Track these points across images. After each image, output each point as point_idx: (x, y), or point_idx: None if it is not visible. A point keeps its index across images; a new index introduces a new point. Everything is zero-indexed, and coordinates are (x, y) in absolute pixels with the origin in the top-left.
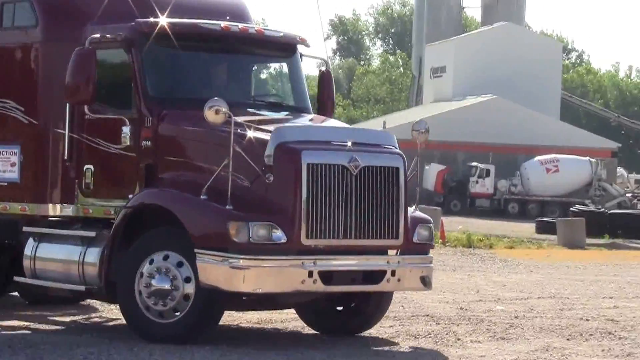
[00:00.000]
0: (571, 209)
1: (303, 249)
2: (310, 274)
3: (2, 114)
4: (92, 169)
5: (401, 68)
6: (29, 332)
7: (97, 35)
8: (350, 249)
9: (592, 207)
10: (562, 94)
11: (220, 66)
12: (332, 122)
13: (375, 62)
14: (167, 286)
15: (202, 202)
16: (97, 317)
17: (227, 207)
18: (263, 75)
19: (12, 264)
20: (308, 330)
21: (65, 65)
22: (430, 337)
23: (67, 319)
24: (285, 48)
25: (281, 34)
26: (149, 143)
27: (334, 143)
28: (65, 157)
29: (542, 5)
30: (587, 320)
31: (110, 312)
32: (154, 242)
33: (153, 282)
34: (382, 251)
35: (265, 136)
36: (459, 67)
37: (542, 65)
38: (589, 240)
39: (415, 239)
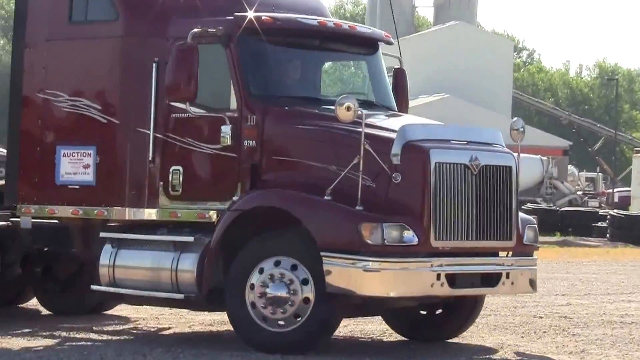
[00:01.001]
0: (523, 207)
1: (432, 251)
2: (439, 277)
3: (74, 113)
4: (181, 170)
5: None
6: (96, 343)
7: (199, 30)
8: (470, 251)
9: (543, 205)
10: (514, 93)
11: (314, 63)
12: (428, 120)
13: None
14: (284, 293)
15: (330, 204)
16: (144, 325)
17: (357, 208)
18: (349, 73)
19: (45, 272)
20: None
21: (147, 61)
22: None
23: (116, 328)
24: (371, 45)
25: (370, 31)
26: (252, 142)
27: (454, 142)
28: (150, 158)
29: (493, 5)
30: (541, 317)
31: (150, 321)
32: (264, 247)
33: (268, 290)
34: (494, 253)
35: (391, 135)
36: (411, 67)
37: (493, 64)
38: (540, 238)
39: (524, 241)
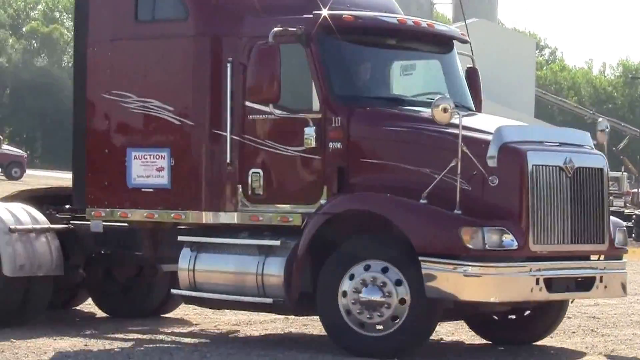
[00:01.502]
0: None
1: (530, 256)
2: (537, 281)
3: (144, 115)
4: (261, 172)
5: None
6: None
7: (279, 29)
8: (565, 255)
9: None
10: (536, 91)
11: (392, 62)
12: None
13: None
14: (378, 298)
15: (428, 208)
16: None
17: (456, 211)
18: (426, 72)
19: (105, 275)
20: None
21: (221, 61)
22: None
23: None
24: (447, 43)
25: (448, 28)
26: (337, 144)
27: (547, 143)
28: (228, 161)
29: (514, 2)
30: (569, 318)
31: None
32: (354, 252)
33: (362, 295)
34: (586, 257)
35: (486, 136)
36: None
37: (515, 62)
38: None
39: (616, 244)
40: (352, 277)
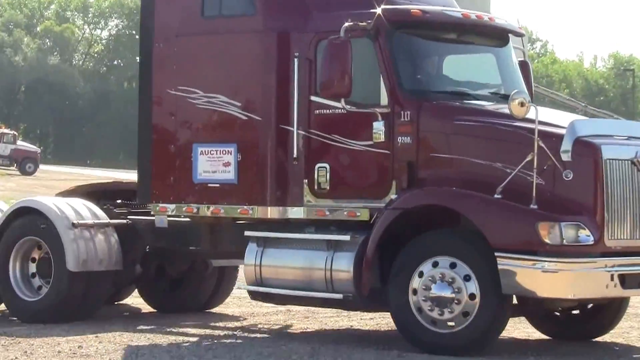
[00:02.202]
0: None
1: (605, 251)
2: (612, 277)
3: (211, 110)
4: (328, 167)
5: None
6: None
7: (350, 24)
8: (636, 250)
9: None
10: None
11: (455, 55)
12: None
13: None
14: (447, 294)
15: (504, 203)
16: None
17: (532, 206)
18: (484, 65)
19: (158, 272)
20: None
21: (288, 57)
22: None
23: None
24: (504, 36)
25: (506, 22)
26: (407, 139)
27: (617, 137)
28: (295, 156)
29: None
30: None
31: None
32: (439, 244)
33: (433, 287)
34: None
35: (560, 130)
36: None
37: None
38: None
39: None
40: (421, 275)
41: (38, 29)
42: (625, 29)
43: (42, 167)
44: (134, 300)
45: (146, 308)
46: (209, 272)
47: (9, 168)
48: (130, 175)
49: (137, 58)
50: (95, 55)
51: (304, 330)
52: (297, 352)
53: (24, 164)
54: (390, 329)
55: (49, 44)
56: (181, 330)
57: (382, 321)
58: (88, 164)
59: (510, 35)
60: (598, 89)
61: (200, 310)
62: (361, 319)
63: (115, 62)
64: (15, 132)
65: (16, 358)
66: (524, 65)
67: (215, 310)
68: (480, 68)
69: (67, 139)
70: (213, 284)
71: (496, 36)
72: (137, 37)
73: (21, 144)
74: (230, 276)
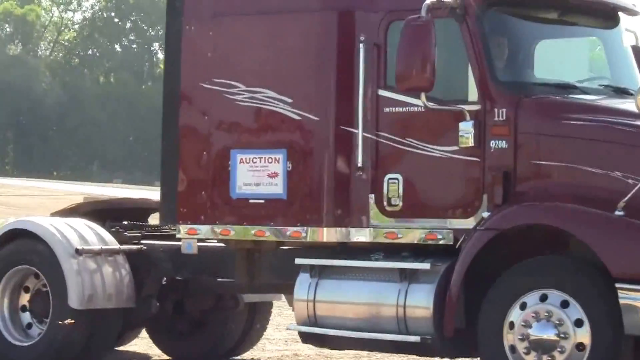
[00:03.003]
0: None
1: None
2: None
3: (254, 108)
4: (400, 179)
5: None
6: None
7: (433, 1)
8: None
9: None
10: None
11: (557, 40)
12: None
13: None
14: (552, 335)
15: (627, 222)
16: None
17: None
18: (591, 51)
19: (176, 310)
20: None
21: (352, 41)
22: None
23: None
24: (614, 16)
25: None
26: (502, 143)
27: None
28: (360, 164)
29: None
30: None
31: None
32: (538, 274)
33: (534, 327)
34: None
35: None
36: None
37: None
38: None
39: None
40: (523, 307)
41: None
42: None
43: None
44: (138, 343)
45: (156, 354)
46: (239, 309)
47: None
48: (105, 190)
49: (118, 46)
50: (65, 43)
51: None
52: None
53: None
54: None
55: (8, 30)
56: None
57: None
58: (55, 176)
59: (621, 14)
60: None
61: (226, 357)
62: None
63: (90, 52)
64: None
65: None
66: (637, 51)
67: (245, 355)
68: (586, 54)
69: (30, 147)
70: (243, 324)
71: (606, 15)
72: (116, 20)
73: None
74: (264, 315)
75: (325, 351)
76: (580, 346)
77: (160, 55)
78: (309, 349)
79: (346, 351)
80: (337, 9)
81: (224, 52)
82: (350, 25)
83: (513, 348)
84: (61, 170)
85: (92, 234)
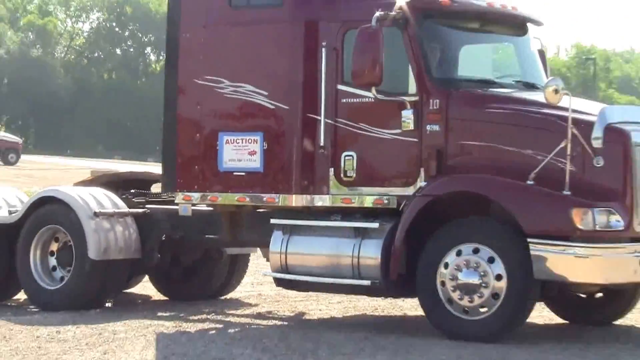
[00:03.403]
0: None
1: (635, 237)
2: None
3: (237, 99)
4: (355, 155)
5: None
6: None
7: (381, 13)
8: None
9: None
10: None
11: (480, 44)
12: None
13: None
14: (476, 281)
15: (536, 189)
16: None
17: (565, 192)
18: (507, 53)
19: (172, 261)
20: None
21: (315, 46)
22: None
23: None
24: (523, 25)
25: (527, 11)
26: (435, 127)
27: None
28: (322, 144)
29: None
30: None
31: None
32: (460, 232)
33: (460, 275)
34: None
35: (591, 118)
36: None
37: None
38: None
39: None
40: (459, 253)
41: (21, 22)
42: (586, 20)
43: (23, 157)
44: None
45: (156, 295)
46: (222, 260)
47: None
48: (107, 165)
49: (119, 50)
50: (77, 47)
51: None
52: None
53: (6, 154)
54: (360, 313)
55: (31, 37)
56: (195, 317)
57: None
58: (68, 154)
59: (529, 25)
60: (561, 76)
61: (213, 298)
62: (370, 305)
63: (96, 54)
64: None
65: None
66: (542, 54)
67: (227, 297)
68: (502, 56)
69: (48, 130)
70: (225, 272)
71: (517, 25)
72: (116, 29)
73: (3, 134)
74: (243, 264)
75: (282, 292)
76: (495, 295)
77: (152, 57)
78: (270, 290)
79: (298, 293)
80: (304, 20)
81: (212, 55)
82: (314, 33)
83: (443, 283)
84: (72, 148)
85: (107, 200)
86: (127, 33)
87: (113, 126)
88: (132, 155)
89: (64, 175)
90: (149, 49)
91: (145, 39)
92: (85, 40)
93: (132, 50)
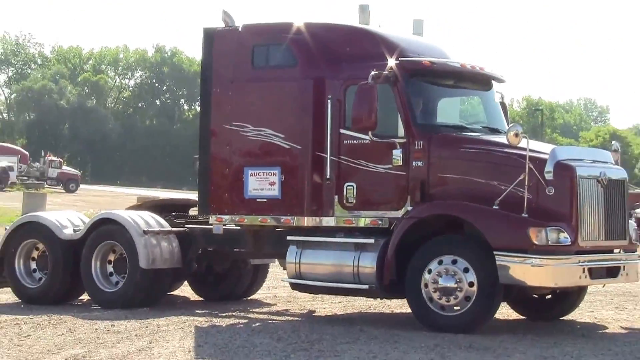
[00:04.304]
0: None
1: (579, 250)
2: (584, 270)
3: (259, 141)
4: (355, 185)
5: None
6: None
7: (376, 72)
8: (600, 249)
9: None
10: None
11: (453, 97)
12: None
13: None
14: (452, 284)
15: (501, 212)
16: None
17: (524, 215)
18: (475, 104)
19: (206, 269)
20: None
21: (323, 99)
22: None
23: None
24: (489, 82)
25: (492, 71)
26: (420, 163)
27: (586, 160)
28: (328, 177)
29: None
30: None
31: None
32: (442, 246)
33: (440, 280)
34: (609, 251)
35: (543, 156)
36: None
37: None
38: None
39: (633, 240)
40: (440, 262)
41: (79, 79)
42: (535, 76)
43: (82, 186)
44: (183, 290)
45: (194, 297)
46: (247, 269)
47: (56, 187)
48: (150, 193)
49: (158, 101)
50: (124, 99)
51: (327, 314)
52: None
53: (67, 184)
54: (357, 311)
55: (87, 90)
56: (224, 314)
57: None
58: (117, 184)
59: (493, 82)
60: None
61: (239, 299)
62: (366, 306)
63: (140, 105)
64: (61, 159)
65: (62, 334)
66: (503, 105)
67: (249, 298)
68: (472, 107)
69: (101, 165)
70: (249, 278)
71: (484, 82)
72: (156, 84)
73: (65, 168)
74: (263, 272)
75: (294, 294)
76: (467, 298)
77: (185, 107)
78: (284, 293)
79: (307, 294)
80: (313, 78)
81: (239, 105)
82: (321, 88)
83: (426, 285)
84: (121, 179)
85: (153, 221)
86: (164, 87)
87: (154, 161)
88: (170, 185)
89: (114, 201)
90: (182, 100)
91: (180, 92)
92: (130, 93)
93: (169, 101)
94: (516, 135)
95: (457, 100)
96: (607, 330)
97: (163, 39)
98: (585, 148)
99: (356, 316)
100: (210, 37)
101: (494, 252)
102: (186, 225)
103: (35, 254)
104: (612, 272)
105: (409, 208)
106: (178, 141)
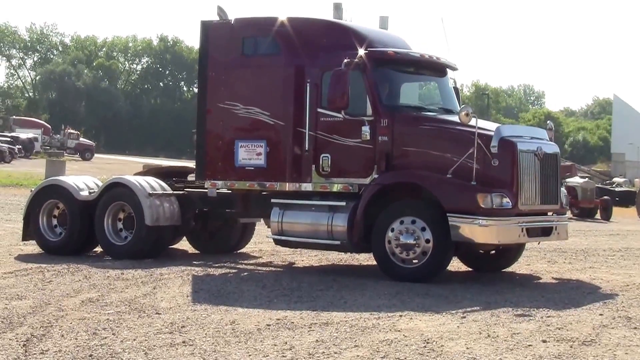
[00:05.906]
0: None
1: (519, 212)
2: (522, 230)
3: (248, 118)
4: (329, 156)
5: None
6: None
7: (348, 60)
8: (536, 212)
9: None
10: None
11: (413, 82)
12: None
13: None
14: (411, 241)
15: (453, 180)
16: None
17: (472, 183)
18: (432, 88)
19: (202, 226)
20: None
21: (302, 83)
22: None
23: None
24: (444, 70)
25: (447, 60)
26: (385, 138)
27: (525, 137)
28: (306, 149)
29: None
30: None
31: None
32: (403, 209)
33: (401, 237)
34: (544, 213)
35: (489, 132)
36: None
37: None
38: None
39: (563, 205)
40: (402, 222)
41: (94, 63)
42: (482, 64)
43: (96, 155)
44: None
45: (192, 250)
46: (237, 226)
47: (74, 156)
48: (155, 161)
49: (162, 83)
50: (132, 81)
51: (306, 265)
52: (297, 280)
53: (84, 153)
54: (330, 263)
55: (101, 73)
56: (217, 265)
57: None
58: (126, 153)
59: (448, 69)
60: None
61: (229, 252)
62: (339, 259)
63: (146, 86)
64: (78, 132)
65: (79, 280)
66: (455, 89)
67: (238, 252)
68: (429, 90)
69: (113, 137)
70: (239, 234)
71: (440, 70)
72: (160, 69)
73: (82, 140)
74: (250, 230)
75: (277, 248)
76: (424, 253)
77: (184, 88)
78: (268, 247)
79: (288, 249)
80: (294, 65)
81: (231, 87)
82: (301, 73)
83: (389, 242)
84: (129, 150)
85: (157, 185)
86: (167, 72)
87: (158, 134)
88: (171, 155)
89: (123, 168)
90: (182, 83)
91: (180, 76)
92: (138, 77)
93: (170, 83)
94: (467, 115)
95: (417, 85)
96: (540, 280)
97: (166, 30)
98: (524, 126)
99: (330, 268)
100: (207, 29)
101: (447, 214)
102: (185, 189)
103: (56, 212)
104: (546, 232)
105: (375, 176)
106: (178, 117)
